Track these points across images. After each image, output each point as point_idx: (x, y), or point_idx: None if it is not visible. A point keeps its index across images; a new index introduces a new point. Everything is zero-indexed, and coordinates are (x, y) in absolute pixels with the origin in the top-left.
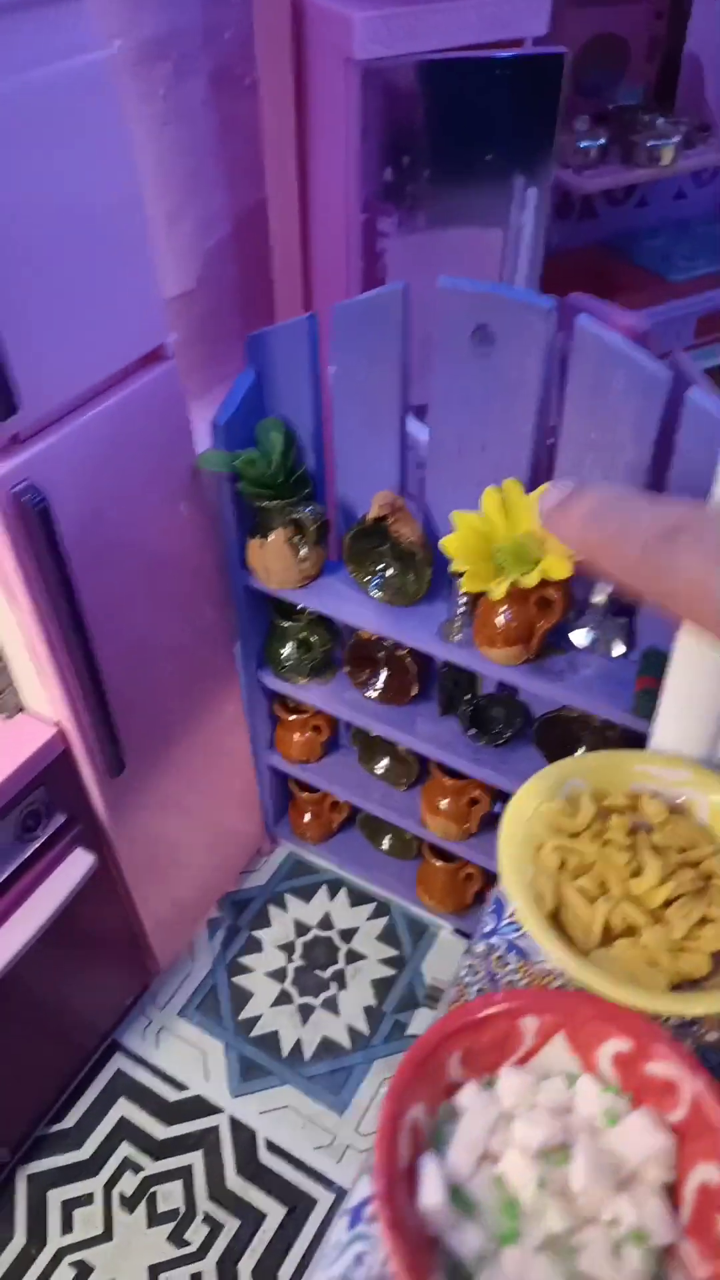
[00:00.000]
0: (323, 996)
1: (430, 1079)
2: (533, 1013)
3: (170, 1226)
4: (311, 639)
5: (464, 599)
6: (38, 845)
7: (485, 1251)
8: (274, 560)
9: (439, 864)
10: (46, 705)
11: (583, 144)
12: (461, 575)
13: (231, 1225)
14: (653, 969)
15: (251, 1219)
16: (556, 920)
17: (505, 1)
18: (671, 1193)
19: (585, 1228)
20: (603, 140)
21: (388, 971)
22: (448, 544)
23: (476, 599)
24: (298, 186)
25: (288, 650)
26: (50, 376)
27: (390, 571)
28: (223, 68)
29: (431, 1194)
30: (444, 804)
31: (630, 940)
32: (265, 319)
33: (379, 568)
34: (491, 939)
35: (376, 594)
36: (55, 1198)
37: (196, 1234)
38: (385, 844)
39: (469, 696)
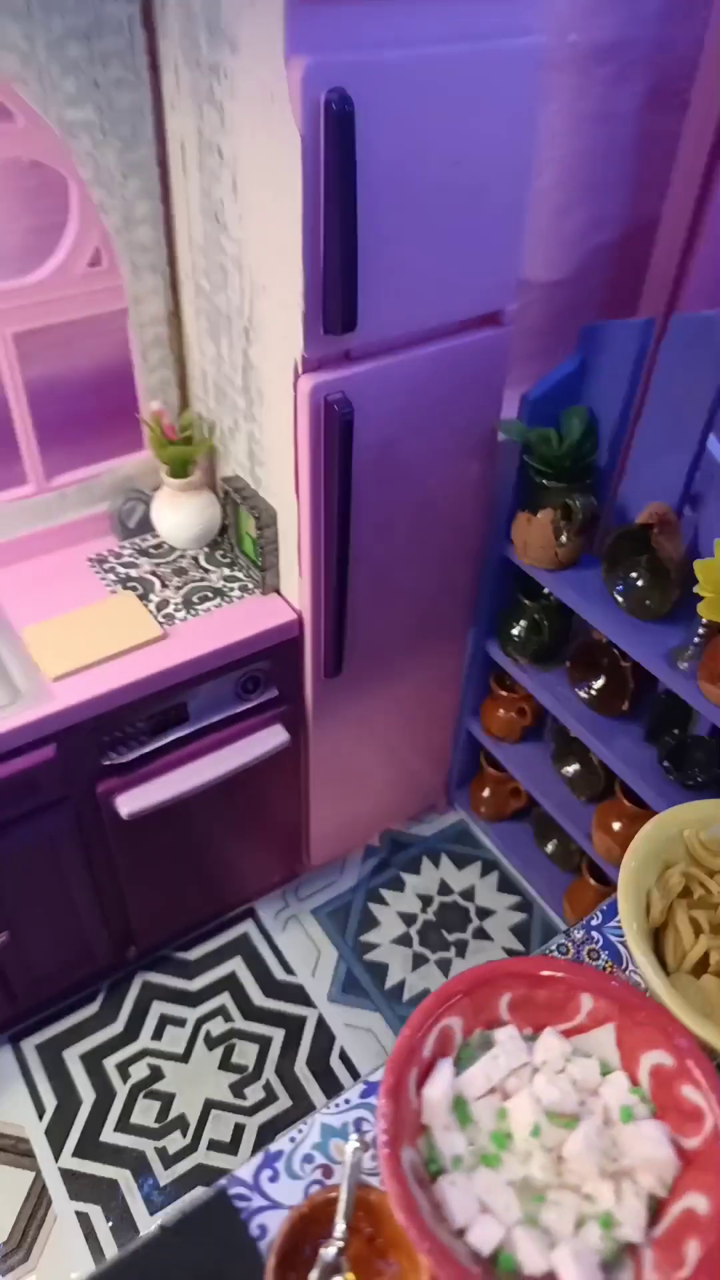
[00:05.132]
0: (439, 955)
1: (478, 1004)
2: (594, 993)
3: (236, 1077)
4: (545, 623)
5: (702, 629)
6: (248, 707)
7: (463, 1161)
8: (535, 537)
9: (593, 883)
10: (296, 594)
11: None
12: (701, 599)
13: (283, 1102)
14: None
15: (302, 1105)
16: (656, 937)
17: None
18: (657, 1206)
19: (562, 1190)
20: None
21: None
22: (702, 566)
23: (713, 634)
24: (694, 210)
25: (519, 628)
26: (392, 308)
27: (640, 582)
28: (661, 81)
29: (438, 1086)
30: (617, 826)
31: (718, 979)
32: (621, 315)
33: (631, 575)
34: (592, 930)
35: (620, 599)
36: (158, 1009)
37: (254, 1094)
38: (549, 847)
39: (677, 730)
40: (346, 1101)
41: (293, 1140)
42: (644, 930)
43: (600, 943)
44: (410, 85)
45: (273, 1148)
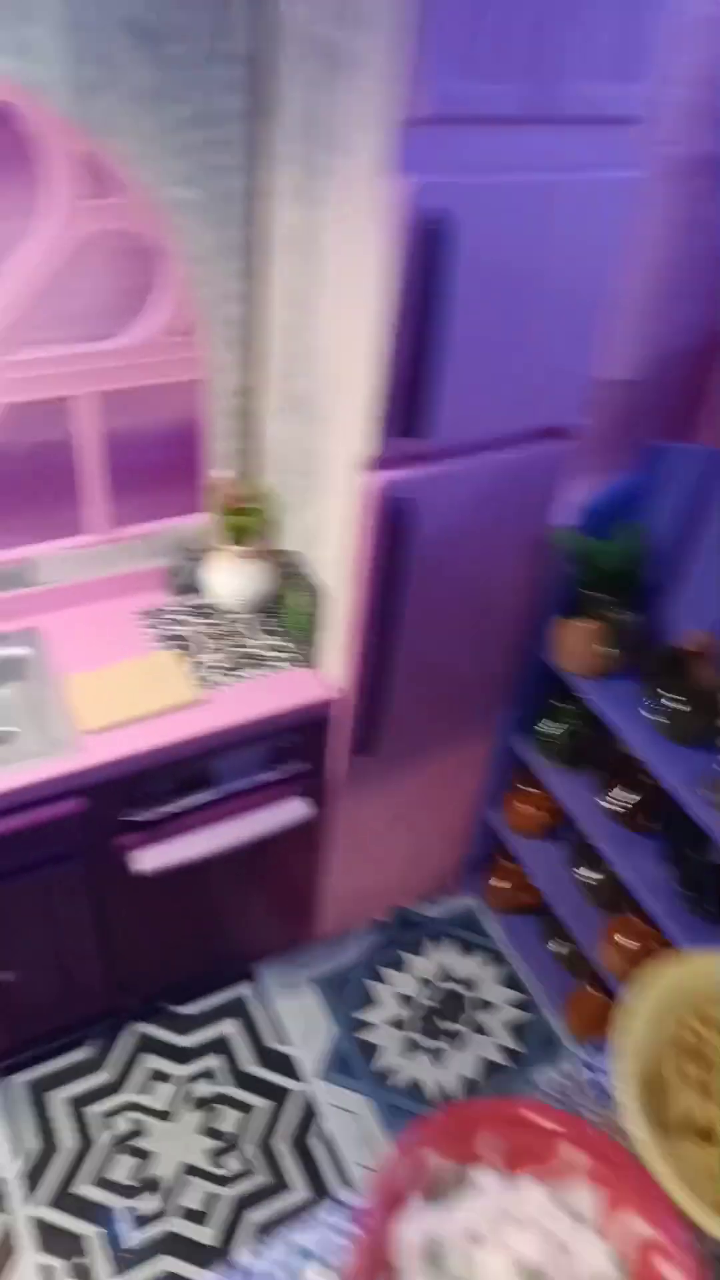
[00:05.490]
0: (434, 1044)
1: (457, 1138)
2: (580, 1147)
3: (216, 1144)
4: (576, 728)
5: None
6: (276, 777)
7: None
8: (576, 644)
9: (596, 994)
10: (337, 671)
11: None
12: None
13: (261, 1178)
14: (710, 1180)
15: (278, 1184)
16: (649, 1083)
17: None
18: None
19: None
20: None
21: (501, 1060)
22: None
23: None
24: None
25: (550, 729)
26: (464, 415)
27: (676, 705)
28: None
29: (412, 1227)
30: (626, 942)
31: (703, 1141)
32: (685, 434)
33: (668, 696)
34: (582, 1067)
35: (655, 719)
36: (145, 1061)
37: (230, 1165)
38: (557, 947)
39: (701, 858)
40: (315, 1219)
41: (257, 1255)
42: (639, 1087)
43: (595, 1080)
44: (506, 207)
45: (238, 1259)
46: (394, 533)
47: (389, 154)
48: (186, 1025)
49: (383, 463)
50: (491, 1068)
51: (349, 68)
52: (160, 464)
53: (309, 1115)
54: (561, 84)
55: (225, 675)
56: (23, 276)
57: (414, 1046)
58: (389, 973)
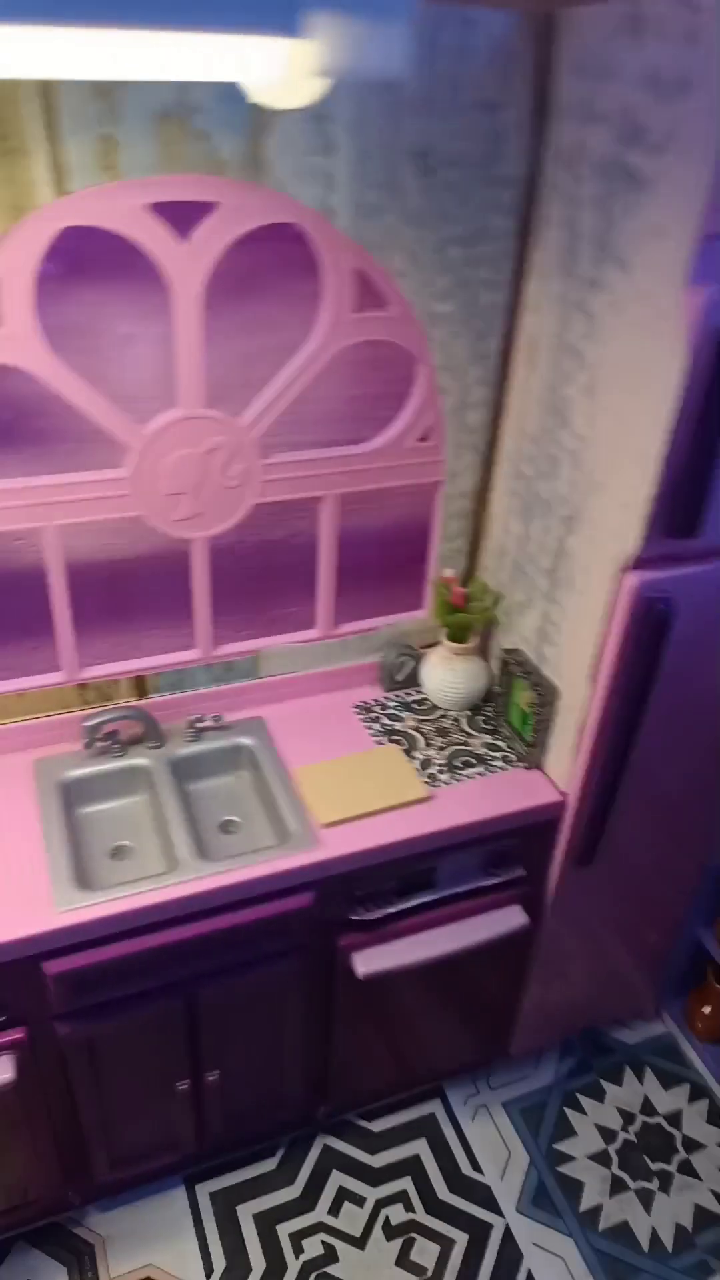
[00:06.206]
0: (640, 1184)
1: None
2: None
3: (411, 1278)
4: None
5: None
6: (494, 882)
7: None
8: None
9: None
10: (561, 774)
11: None
12: None
13: None
14: None
15: None
16: None
17: None
18: None
19: None
20: None
21: (714, 1205)
22: None
23: None
24: None
25: None
26: None
27: None
28: None
29: None
30: None
31: None
32: None
33: None
34: None
35: None
36: (336, 1179)
37: None
38: None
39: None
40: None
41: None
42: None
43: None
44: None
45: None
46: (648, 632)
47: (682, 268)
48: (376, 1144)
49: (643, 562)
50: (705, 1215)
51: (636, 189)
52: (386, 561)
53: (513, 1255)
54: None
55: (448, 774)
56: (289, 383)
57: (621, 1186)
58: (586, 1101)
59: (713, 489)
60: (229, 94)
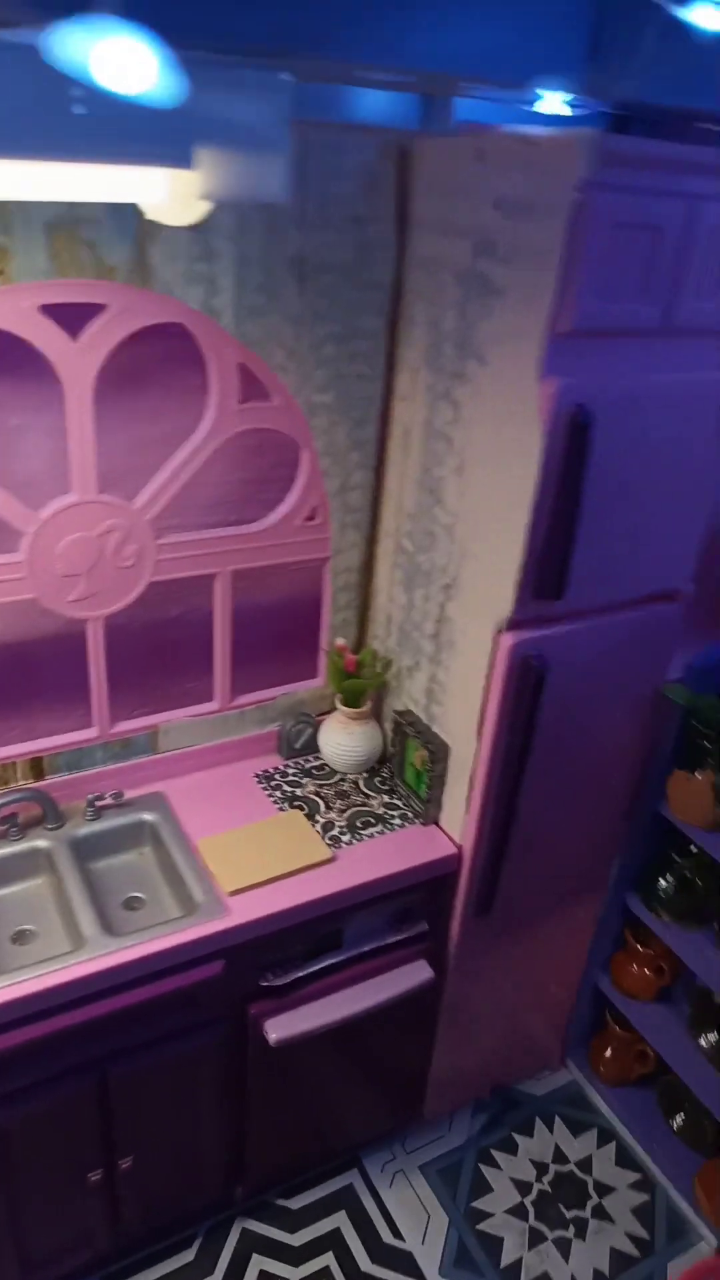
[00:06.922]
0: (557, 1234)
1: None
2: None
3: None
4: (697, 881)
5: None
6: (399, 938)
7: None
8: (693, 796)
9: None
10: (456, 827)
11: None
12: None
13: None
14: None
15: None
16: None
17: None
18: None
19: None
20: None
21: (631, 1249)
22: None
23: None
24: None
25: (666, 884)
26: (592, 581)
27: None
28: None
29: None
30: None
31: None
32: None
33: None
34: None
35: None
36: (256, 1263)
37: None
38: (678, 1122)
39: None
40: None
41: None
42: None
43: None
44: (643, 405)
45: None
46: (527, 687)
47: (534, 362)
48: (295, 1221)
49: (517, 624)
50: (622, 1260)
51: (491, 294)
52: (280, 633)
53: None
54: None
55: (350, 835)
56: (180, 468)
57: (539, 1237)
58: (500, 1156)
59: (574, 554)
60: (117, 207)
